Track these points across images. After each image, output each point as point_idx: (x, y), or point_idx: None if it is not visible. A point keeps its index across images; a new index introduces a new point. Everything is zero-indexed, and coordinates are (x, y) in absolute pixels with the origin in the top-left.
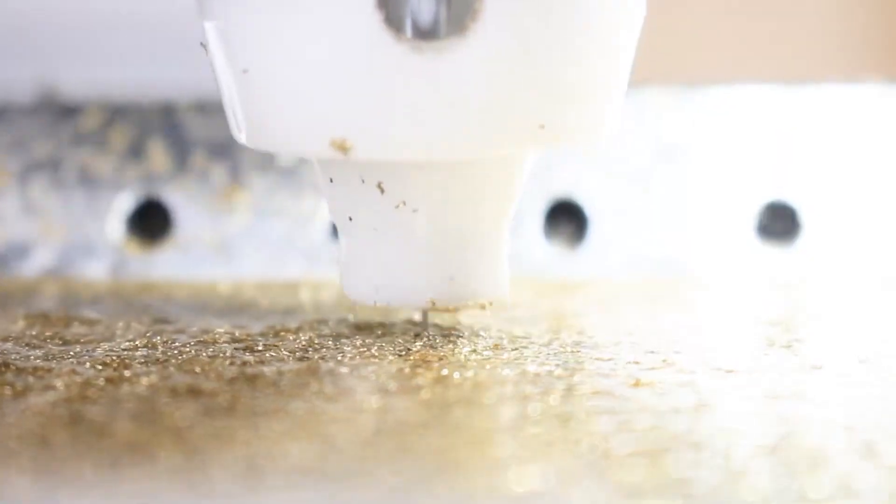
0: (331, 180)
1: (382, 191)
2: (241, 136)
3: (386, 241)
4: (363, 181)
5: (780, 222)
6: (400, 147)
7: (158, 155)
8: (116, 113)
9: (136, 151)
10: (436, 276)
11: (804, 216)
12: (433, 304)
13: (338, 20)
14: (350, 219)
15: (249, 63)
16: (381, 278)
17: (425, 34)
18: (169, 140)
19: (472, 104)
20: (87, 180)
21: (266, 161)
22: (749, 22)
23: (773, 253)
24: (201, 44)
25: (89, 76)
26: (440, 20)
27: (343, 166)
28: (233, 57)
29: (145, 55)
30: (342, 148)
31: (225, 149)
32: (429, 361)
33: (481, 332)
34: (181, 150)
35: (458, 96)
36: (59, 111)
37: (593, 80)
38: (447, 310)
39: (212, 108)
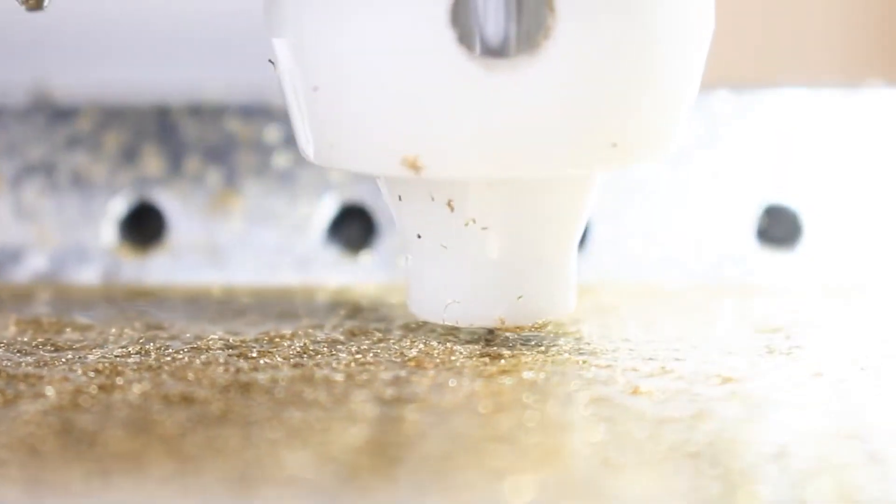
0: (399, 198)
1: (452, 208)
2: (310, 154)
3: (455, 258)
4: (433, 199)
5: (780, 226)
6: (471, 166)
7: (152, 159)
8: (110, 116)
9: (129, 155)
10: (505, 295)
11: (805, 220)
12: (502, 322)
13: (411, 38)
14: (419, 236)
15: (320, 81)
16: (450, 296)
17: (495, 52)
18: (163, 144)
19: (544, 123)
20: (81, 184)
21: (261, 166)
22: (750, 26)
23: (773, 258)
24: (270, 60)
25: (83, 79)
26: (510, 38)
27: (412, 184)
28: (303, 74)
29: (139, 58)
30: (414, 166)
31: (219, 153)
32: (425, 368)
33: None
34: (175, 154)
35: (531, 115)
36: (52, 114)
37: (664, 98)
38: (515, 329)
39: (206, 112)
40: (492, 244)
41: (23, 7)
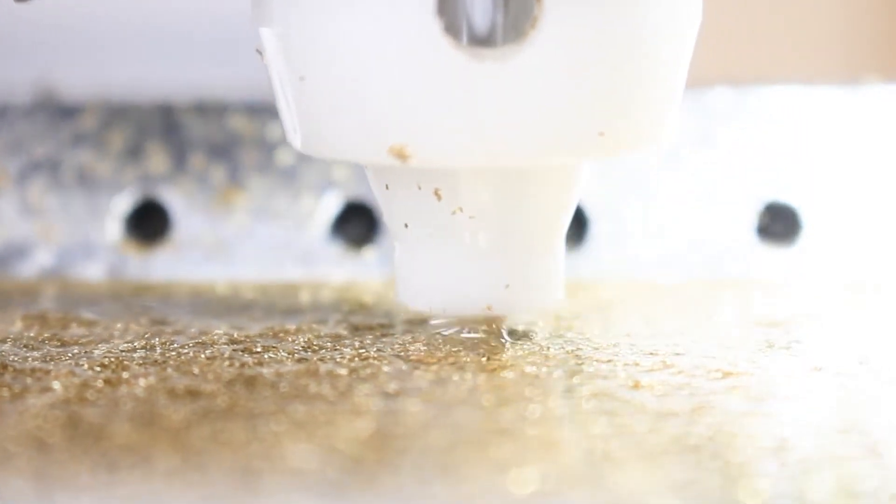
0: (386, 187)
1: (439, 197)
2: (296, 143)
3: (442, 247)
4: (420, 188)
5: (780, 223)
6: (459, 154)
7: (157, 156)
8: (115, 114)
9: (134, 152)
10: (492, 284)
11: (804, 216)
12: (490, 310)
13: (397, 27)
14: (406, 225)
15: (307, 70)
16: (437, 285)
17: (483, 41)
18: (167, 141)
19: (531, 111)
20: (86, 181)
21: (264, 162)
22: (750, 24)
23: (772, 254)
24: (257, 50)
25: (88, 77)
26: (497, 27)
27: (399, 173)
28: (290, 64)
29: (143, 56)
30: (401, 155)
31: (223, 150)
32: (427, 363)
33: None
34: (179, 151)
35: (518, 103)
36: (57, 112)
37: (652, 87)
38: (497, 318)
39: (210, 109)
40: (479, 233)
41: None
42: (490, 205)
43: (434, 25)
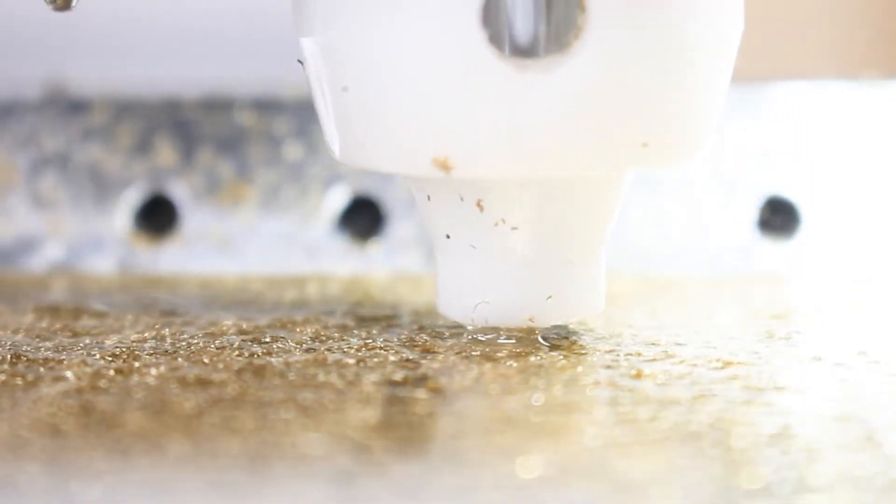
0: (428, 198)
1: (482, 209)
2: (336, 152)
3: (484, 258)
4: (462, 199)
5: (780, 217)
6: (501, 166)
7: (165, 150)
8: (124, 109)
9: (143, 147)
10: (534, 294)
11: (804, 211)
12: (532, 321)
13: (442, 38)
14: (447, 236)
15: (350, 80)
16: (479, 296)
17: (525, 52)
18: (175, 136)
19: (574, 123)
20: (95, 175)
21: (271, 157)
22: (751, 21)
23: (773, 248)
24: (298, 60)
25: (97, 73)
26: (540, 38)
27: (441, 184)
28: (332, 74)
29: (152, 52)
30: (444, 167)
31: (231, 144)
32: (434, 352)
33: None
34: (188, 145)
35: (561, 115)
36: (67, 107)
37: (695, 98)
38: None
39: (218, 105)
40: (521, 244)
41: (50, 7)
42: (532, 216)
43: (478, 36)
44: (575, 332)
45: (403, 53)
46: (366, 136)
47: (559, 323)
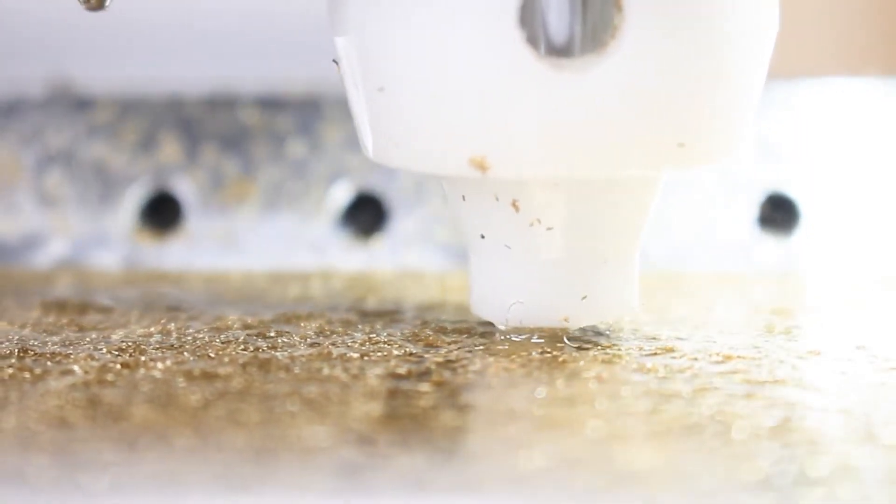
0: (463, 198)
1: (517, 209)
2: (370, 151)
3: (519, 258)
4: (497, 199)
5: (780, 214)
6: (538, 166)
7: (170, 148)
8: (129, 107)
9: (147, 144)
10: (569, 295)
11: (803, 207)
12: (567, 321)
13: (479, 38)
14: (482, 236)
15: (386, 81)
16: (513, 297)
17: (562, 51)
18: (180, 133)
19: (611, 123)
20: (100, 173)
21: (275, 154)
22: None
23: (773, 244)
24: (334, 60)
25: (102, 71)
26: (575, 37)
27: (477, 184)
28: (368, 74)
29: (157, 50)
30: (481, 167)
31: (235, 142)
32: (437, 346)
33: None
34: (192, 143)
35: (598, 115)
36: (72, 105)
37: (731, 99)
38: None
39: (222, 102)
40: (556, 244)
41: (83, 6)
42: (568, 216)
43: (516, 36)
44: (604, 334)
45: (440, 54)
46: (401, 136)
47: (594, 322)
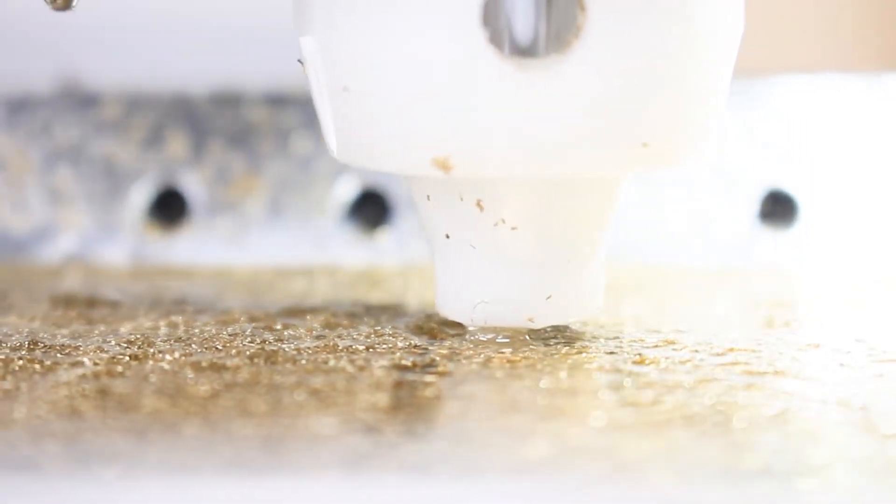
0: (428, 198)
1: (481, 208)
2: (335, 151)
3: (483, 258)
4: (462, 199)
5: (780, 209)
6: (502, 166)
7: (177, 144)
8: (136, 103)
9: (154, 140)
10: (534, 295)
11: (802, 202)
12: (531, 321)
13: (442, 37)
14: (447, 236)
15: (350, 80)
16: (478, 296)
17: (526, 51)
18: (187, 129)
19: (574, 123)
20: (108, 168)
21: (281, 149)
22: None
23: (773, 239)
24: (299, 60)
25: (110, 67)
26: (540, 37)
27: (441, 184)
28: (332, 73)
29: (164, 47)
30: (444, 167)
31: (241, 138)
32: (441, 339)
33: None
34: (199, 139)
35: (561, 115)
36: (80, 101)
37: (695, 99)
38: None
39: (228, 99)
40: (521, 244)
41: (50, 6)
42: (532, 216)
43: (479, 36)
44: (576, 332)
45: (404, 53)
46: (365, 135)
47: (558, 323)
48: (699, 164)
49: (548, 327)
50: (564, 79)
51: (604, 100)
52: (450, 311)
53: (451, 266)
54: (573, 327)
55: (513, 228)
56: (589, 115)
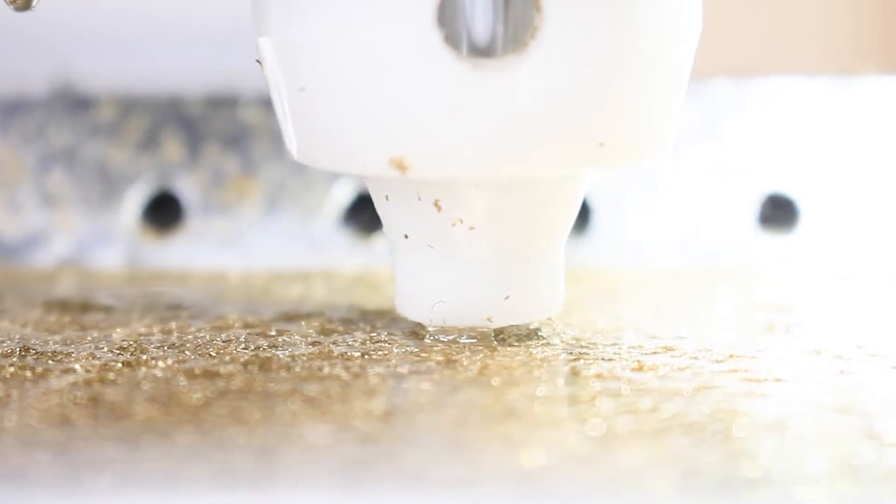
0: (386, 198)
1: (439, 208)
2: (294, 152)
3: (442, 258)
4: (419, 199)
5: (779, 212)
6: (458, 166)
7: (171, 147)
8: (130, 106)
9: (149, 143)
10: (492, 294)
11: (802, 206)
12: (490, 321)
13: (397, 38)
14: (405, 236)
15: (306, 80)
16: (437, 296)
17: (482, 52)
18: (182, 132)
19: (531, 123)
20: (102, 171)
21: (276, 152)
22: (750, 16)
23: (773, 243)
24: (257, 60)
25: (104, 70)
26: (497, 38)
27: (399, 184)
28: (289, 74)
29: (158, 49)
30: (400, 166)
31: (236, 141)
32: (437, 346)
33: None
34: (193, 142)
35: (518, 115)
36: (74, 104)
37: (651, 98)
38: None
39: (223, 101)
40: (479, 244)
41: (10, 7)
42: (490, 216)
43: (434, 36)
44: (536, 332)
45: (359, 53)
46: (323, 136)
47: (517, 323)
48: (657, 163)
49: (548, 333)
50: (520, 79)
51: (559, 100)
52: (409, 312)
53: (410, 266)
54: (573, 333)
55: (470, 228)
56: (545, 115)
